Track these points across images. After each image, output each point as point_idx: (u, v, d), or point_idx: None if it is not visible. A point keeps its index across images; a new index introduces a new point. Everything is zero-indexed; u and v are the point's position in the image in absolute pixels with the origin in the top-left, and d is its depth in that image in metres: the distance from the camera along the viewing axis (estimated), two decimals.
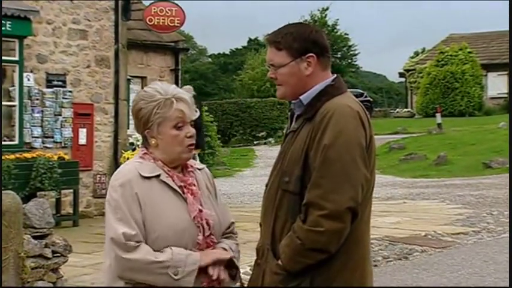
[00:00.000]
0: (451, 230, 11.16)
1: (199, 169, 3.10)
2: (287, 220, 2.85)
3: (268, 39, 2.96)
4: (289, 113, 3.08)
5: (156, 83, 3.05)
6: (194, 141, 2.96)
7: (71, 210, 12.76)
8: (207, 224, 2.94)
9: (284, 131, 3.17)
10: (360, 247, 2.88)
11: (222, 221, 3.05)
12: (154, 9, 14.41)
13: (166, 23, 14.41)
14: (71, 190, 12.60)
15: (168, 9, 14.39)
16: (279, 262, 2.83)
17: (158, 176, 2.91)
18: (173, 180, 2.94)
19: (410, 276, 8.40)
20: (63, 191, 12.36)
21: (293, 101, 2.98)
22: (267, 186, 3.01)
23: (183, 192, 2.94)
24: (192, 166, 3.06)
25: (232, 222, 3.13)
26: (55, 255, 7.16)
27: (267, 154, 29.01)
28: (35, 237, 6.97)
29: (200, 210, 2.94)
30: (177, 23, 14.52)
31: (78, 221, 12.49)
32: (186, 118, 2.92)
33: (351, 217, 2.74)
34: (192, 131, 2.94)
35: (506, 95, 39.40)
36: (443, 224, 11.68)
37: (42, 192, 11.76)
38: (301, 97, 2.92)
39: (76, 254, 8.03)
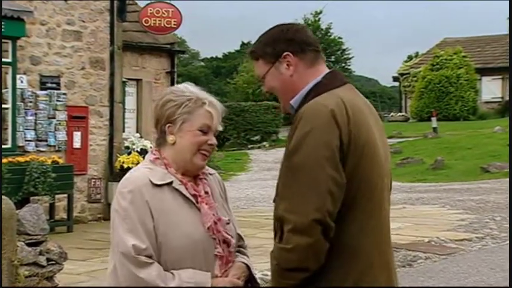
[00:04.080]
0: (454, 236, 10.97)
1: (210, 174, 2.90)
2: None
3: (247, 52, 2.80)
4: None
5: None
6: (211, 152, 2.76)
7: (65, 216, 12.53)
8: (224, 236, 2.75)
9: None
10: (358, 260, 2.56)
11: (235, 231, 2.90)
12: (150, 10, 14.18)
13: (162, 24, 14.17)
14: (65, 195, 12.39)
15: (165, 10, 14.15)
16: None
17: (170, 183, 2.71)
18: (186, 188, 2.73)
19: (416, 285, 8.19)
20: (57, 196, 12.14)
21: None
22: (274, 201, 2.73)
23: (197, 202, 2.73)
24: (203, 172, 2.87)
25: (239, 234, 2.94)
26: (50, 262, 6.97)
27: (262, 158, 28.82)
28: (29, 245, 6.80)
29: (215, 222, 2.74)
30: (174, 25, 14.27)
31: (73, 226, 12.26)
32: (213, 124, 2.74)
33: (323, 229, 2.44)
34: (215, 141, 2.76)
35: (500, 99, 39.43)
36: (445, 230, 11.50)
37: (36, 197, 11.53)
38: (291, 102, 2.68)
39: (71, 261, 7.81)
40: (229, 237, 2.76)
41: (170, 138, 2.75)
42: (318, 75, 2.68)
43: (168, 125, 2.74)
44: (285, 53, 2.65)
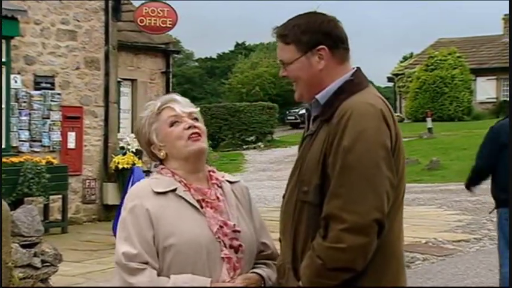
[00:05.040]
0: (451, 237, 10.92)
1: (231, 182, 2.85)
2: (309, 235, 2.54)
3: (276, 32, 2.69)
4: (305, 114, 2.78)
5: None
6: (196, 131, 2.72)
7: (59, 217, 12.45)
8: (232, 239, 2.67)
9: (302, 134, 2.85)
10: (393, 262, 2.56)
11: (256, 241, 2.79)
12: (145, 9, 14.09)
13: (158, 24, 14.08)
14: (60, 196, 12.31)
15: (160, 10, 14.07)
16: (300, 284, 2.52)
17: (174, 190, 2.68)
18: (191, 194, 2.69)
19: (415, 286, 8.12)
20: (51, 197, 12.05)
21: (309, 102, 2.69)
22: (284, 197, 2.71)
23: (201, 207, 2.68)
24: (218, 179, 2.81)
25: (265, 244, 2.82)
26: (44, 264, 6.89)
27: (257, 159, 28.77)
28: (23, 246, 6.72)
29: (220, 226, 2.67)
30: (169, 24, 14.19)
31: (67, 227, 12.18)
32: (179, 111, 2.73)
33: (378, 230, 2.41)
34: (190, 122, 2.72)
35: (495, 100, 39.50)
36: (443, 231, 11.45)
37: (30, 198, 11.45)
38: (317, 96, 2.62)
39: (65, 263, 7.73)
40: (236, 242, 2.67)
41: (161, 154, 2.78)
42: (345, 73, 2.64)
43: (151, 146, 2.80)
44: (321, 46, 2.61)
